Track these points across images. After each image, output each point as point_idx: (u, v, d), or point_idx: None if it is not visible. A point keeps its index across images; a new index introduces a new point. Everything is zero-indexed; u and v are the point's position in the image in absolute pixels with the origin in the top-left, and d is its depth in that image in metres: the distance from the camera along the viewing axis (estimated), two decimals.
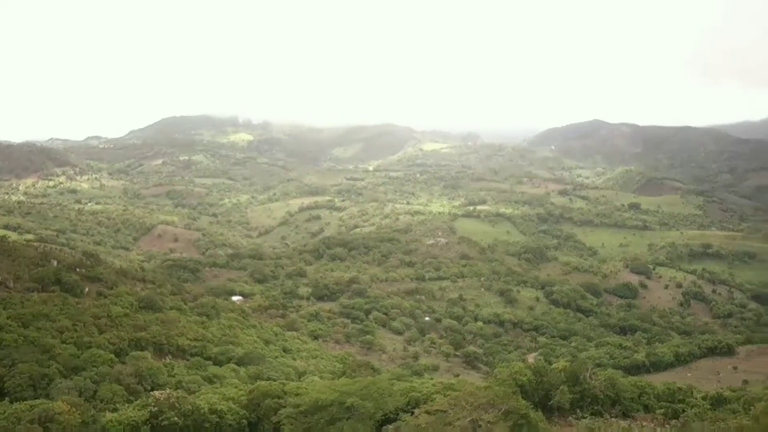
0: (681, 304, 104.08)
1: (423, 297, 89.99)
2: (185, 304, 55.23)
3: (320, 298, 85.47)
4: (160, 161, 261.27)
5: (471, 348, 72.31)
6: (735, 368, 58.20)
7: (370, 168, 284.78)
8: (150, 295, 51.36)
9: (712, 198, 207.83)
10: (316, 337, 66.57)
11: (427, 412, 25.06)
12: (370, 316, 77.38)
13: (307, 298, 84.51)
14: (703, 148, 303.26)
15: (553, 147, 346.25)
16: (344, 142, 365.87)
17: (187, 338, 44.45)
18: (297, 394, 25.78)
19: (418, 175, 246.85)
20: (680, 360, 63.99)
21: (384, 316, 78.36)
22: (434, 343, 72.32)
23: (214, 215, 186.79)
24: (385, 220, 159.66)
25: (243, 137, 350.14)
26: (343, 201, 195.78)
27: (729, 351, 65.66)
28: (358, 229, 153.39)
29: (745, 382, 49.31)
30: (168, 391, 25.94)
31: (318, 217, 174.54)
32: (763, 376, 50.66)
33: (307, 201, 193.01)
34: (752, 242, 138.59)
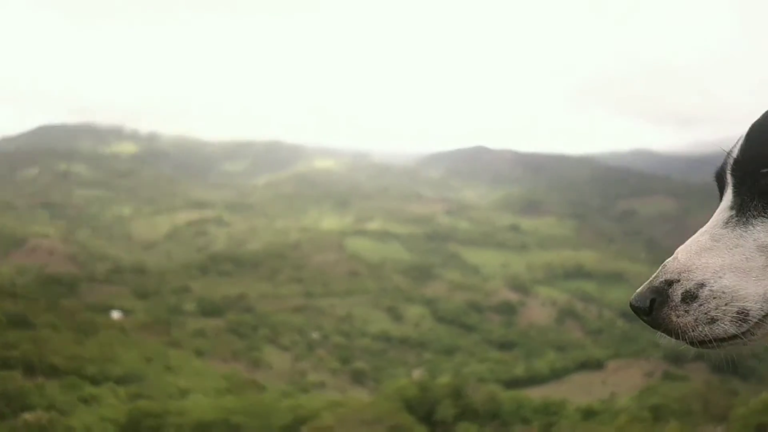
0: (556, 321, 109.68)
1: (312, 313, 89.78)
2: (60, 320, 52.02)
3: (206, 315, 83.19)
4: (35, 171, 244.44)
5: (358, 364, 72.90)
6: (604, 381, 62.04)
7: (260, 183, 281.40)
8: (21, 311, 48.01)
9: (585, 221, 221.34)
10: (201, 354, 64.70)
11: (314, 430, 25.11)
12: (258, 333, 76.25)
13: (193, 315, 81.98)
14: (578, 175, 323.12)
15: (440, 169, 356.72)
16: (234, 156, 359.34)
17: (62, 357, 41.89)
18: (180, 414, 25.06)
19: (308, 191, 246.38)
20: (555, 374, 67.29)
21: (272, 332, 77.45)
22: (322, 360, 72.30)
23: (95, 228, 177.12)
24: (275, 236, 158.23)
25: (128, 148, 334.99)
26: (232, 216, 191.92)
27: (599, 365, 69.96)
28: (247, 245, 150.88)
29: (613, 394, 52.69)
30: (39, 412, 24.46)
31: (205, 232, 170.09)
32: (629, 388, 54.34)
33: (194, 215, 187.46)
34: (620, 263, 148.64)
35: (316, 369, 68.29)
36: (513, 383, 61.75)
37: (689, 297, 1.02)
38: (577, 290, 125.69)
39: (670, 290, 1.03)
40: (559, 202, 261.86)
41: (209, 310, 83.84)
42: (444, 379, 42.52)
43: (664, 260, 1.08)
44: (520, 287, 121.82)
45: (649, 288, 1.06)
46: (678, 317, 1.02)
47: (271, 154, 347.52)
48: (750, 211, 1.03)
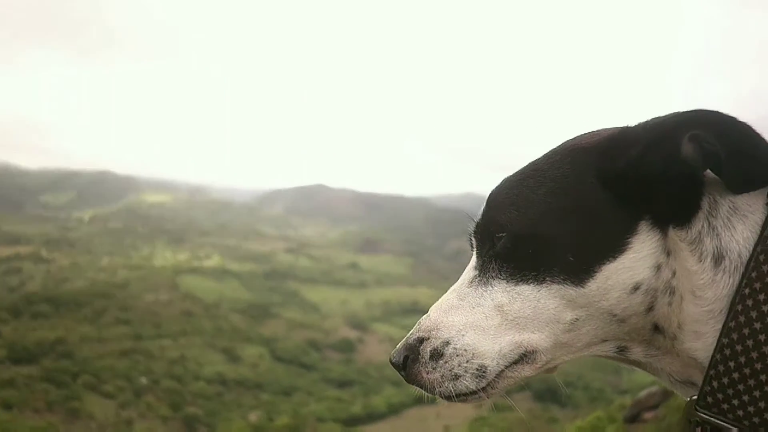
0: None
1: (140, 357, 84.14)
2: None
3: (17, 362, 74.89)
4: None
5: (191, 409, 69.15)
6: (438, 415, 63.95)
7: (86, 218, 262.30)
8: None
9: (420, 259, 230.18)
10: (9, 407, 57.97)
11: None
12: (78, 380, 69.90)
13: (1, 362, 73.48)
14: (413, 215, 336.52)
15: (280, 206, 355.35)
16: (56, 187, 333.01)
17: None
18: None
19: (139, 227, 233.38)
20: (393, 410, 68.35)
21: (95, 379, 71.40)
22: (151, 407, 67.68)
23: None
24: (101, 275, 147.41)
25: None
26: (51, 252, 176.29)
27: (433, 399, 71.38)
28: (67, 284, 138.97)
29: (446, 427, 54.41)
30: None
31: (20, 270, 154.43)
32: (461, 420, 56.43)
33: (6, 251, 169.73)
34: None
35: (144, 417, 63.74)
36: (352, 421, 61.83)
37: (436, 354, 1.08)
38: (413, 326, 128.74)
39: (421, 347, 1.10)
40: (395, 240, 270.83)
41: (21, 356, 75.72)
42: (282, 420, 41.65)
43: None
44: (359, 324, 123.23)
45: (404, 345, 1.13)
46: (427, 374, 1.08)
47: (99, 186, 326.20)
48: (489, 272, 1.10)
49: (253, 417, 59.78)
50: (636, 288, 1.00)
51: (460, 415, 61.10)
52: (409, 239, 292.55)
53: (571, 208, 1.03)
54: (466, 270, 1.18)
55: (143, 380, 75.26)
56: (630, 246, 1.00)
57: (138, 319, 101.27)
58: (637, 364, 1.11)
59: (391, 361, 1.16)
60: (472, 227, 1.19)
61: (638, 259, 1.00)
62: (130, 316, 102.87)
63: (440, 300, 1.17)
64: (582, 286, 1.01)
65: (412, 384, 1.12)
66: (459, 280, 1.17)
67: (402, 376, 1.14)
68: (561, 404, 53.57)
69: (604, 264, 1.01)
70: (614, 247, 1.01)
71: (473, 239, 1.19)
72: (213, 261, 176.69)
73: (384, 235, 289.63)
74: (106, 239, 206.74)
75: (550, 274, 1.02)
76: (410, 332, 1.16)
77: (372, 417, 65.83)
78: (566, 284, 1.02)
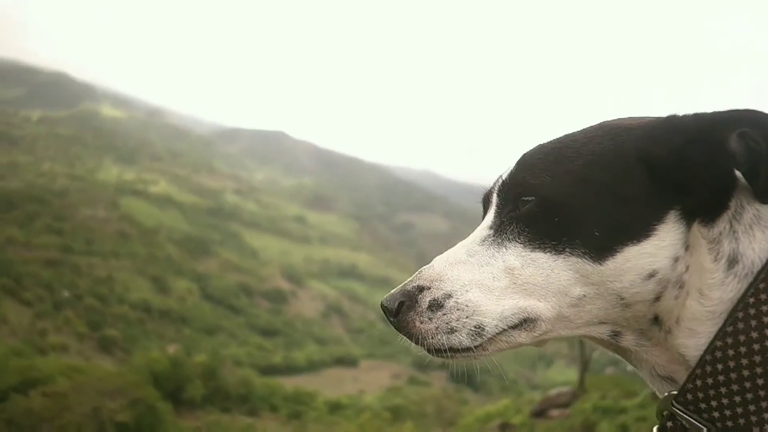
0: (323, 316, 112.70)
1: (66, 270, 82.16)
2: None
3: None
4: None
5: (110, 331, 68.14)
6: (356, 378, 64.77)
7: (34, 118, 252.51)
8: None
9: (366, 225, 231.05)
10: None
11: (44, 395, 22.93)
12: None
13: None
14: (368, 180, 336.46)
15: (237, 146, 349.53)
16: (4, 80, 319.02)
17: None
18: None
19: (89, 139, 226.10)
20: (312, 366, 68.93)
21: (15, 283, 69.43)
22: (69, 321, 66.35)
23: None
24: (40, 179, 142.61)
25: None
26: None
27: (353, 363, 73.08)
28: (2, 182, 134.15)
29: (361, 391, 55.14)
30: None
31: None
32: (376, 388, 57.28)
33: None
34: (391, 269, 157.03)
35: (60, 331, 62.38)
36: (269, 370, 62.05)
37: (435, 305, 1.07)
38: (348, 289, 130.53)
39: (420, 296, 1.08)
40: (346, 201, 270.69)
41: None
42: (199, 358, 41.31)
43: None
44: (295, 278, 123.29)
45: (401, 291, 1.11)
46: (421, 323, 1.06)
47: (52, 87, 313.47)
48: (506, 233, 1.09)
49: (171, 349, 59.23)
50: (651, 275, 1.02)
51: (376, 383, 62.03)
52: (359, 203, 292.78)
53: (608, 183, 1.04)
54: (478, 228, 1.17)
55: (65, 294, 73.55)
56: (656, 233, 1.02)
57: (70, 231, 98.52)
58: (623, 352, 1.12)
59: (382, 305, 1.13)
60: (496, 184, 1.18)
61: (661, 247, 1.01)
62: (63, 226, 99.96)
63: (446, 253, 1.15)
64: (600, 263, 1.02)
65: (401, 332, 1.10)
66: (469, 237, 1.16)
67: (391, 322, 1.12)
68: (474, 388, 54.84)
69: (627, 245, 1.02)
70: (641, 231, 1.02)
71: (496, 197, 1.16)
72: (159, 187, 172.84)
73: (336, 194, 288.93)
74: (51, 143, 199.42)
75: (571, 246, 1.03)
76: (409, 279, 1.13)
77: (290, 369, 66.21)
78: (585, 258, 1.02)
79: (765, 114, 0.97)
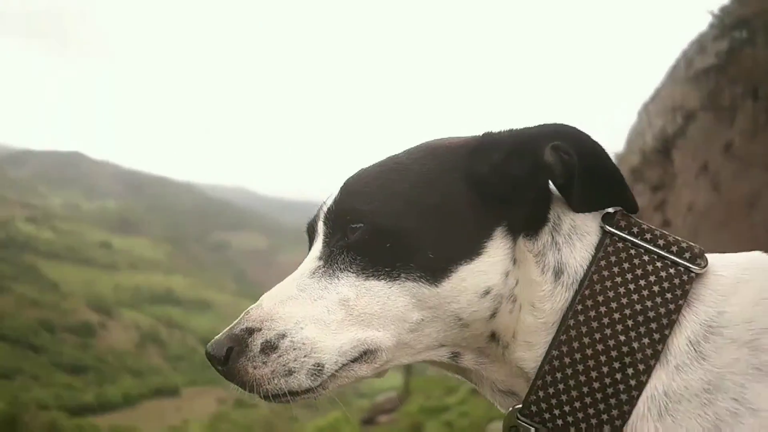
0: (137, 346, 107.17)
1: None
2: None
3: None
4: None
5: None
6: (178, 408, 62.49)
7: None
8: None
9: (179, 247, 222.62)
10: None
11: None
12: None
13: None
14: (178, 200, 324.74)
15: (27, 170, 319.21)
16: None
17: None
18: None
19: None
20: (128, 401, 65.63)
21: None
22: None
23: None
24: None
25: None
26: None
27: (175, 392, 70.43)
28: None
29: (185, 421, 53.47)
30: None
31: None
32: (202, 416, 55.86)
33: None
34: (209, 291, 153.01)
35: None
36: (81, 410, 57.76)
37: (269, 347, 1.00)
38: (163, 315, 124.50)
39: (250, 339, 1.01)
40: (155, 223, 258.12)
41: None
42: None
43: (251, 292, 1.04)
44: (103, 308, 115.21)
45: (228, 335, 1.03)
46: (255, 368, 1.00)
47: None
48: (337, 263, 1.05)
49: None
50: (486, 293, 1.01)
51: (200, 411, 60.43)
52: (170, 224, 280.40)
53: (436, 205, 1.03)
54: (306, 260, 1.11)
55: None
56: (486, 250, 1.01)
57: None
58: (463, 371, 1.11)
59: (208, 352, 1.04)
60: (321, 212, 1.13)
61: (492, 264, 1.01)
62: None
63: (274, 289, 1.08)
64: (436, 286, 1.00)
65: (232, 381, 1.02)
66: (298, 270, 1.10)
67: (219, 371, 1.03)
68: (304, 404, 55.51)
69: (461, 265, 1.01)
70: (473, 249, 1.01)
71: (323, 226, 1.10)
72: None
73: (144, 216, 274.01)
74: None
75: (406, 271, 1.00)
76: (235, 322, 1.05)
77: (104, 407, 62.24)
78: (421, 282, 1.00)
79: (574, 127, 1.01)
